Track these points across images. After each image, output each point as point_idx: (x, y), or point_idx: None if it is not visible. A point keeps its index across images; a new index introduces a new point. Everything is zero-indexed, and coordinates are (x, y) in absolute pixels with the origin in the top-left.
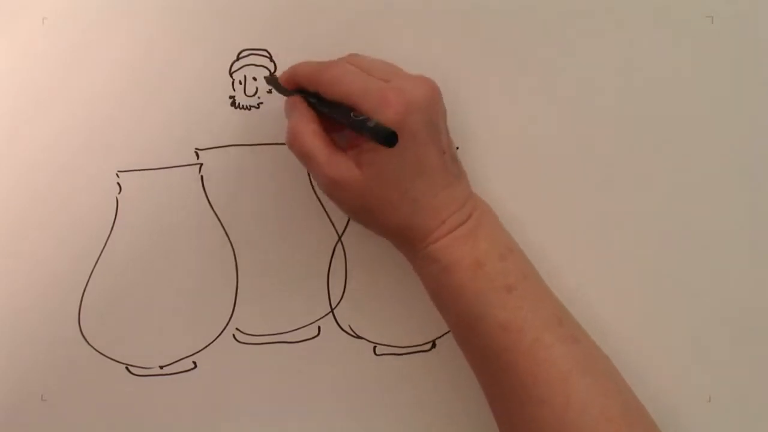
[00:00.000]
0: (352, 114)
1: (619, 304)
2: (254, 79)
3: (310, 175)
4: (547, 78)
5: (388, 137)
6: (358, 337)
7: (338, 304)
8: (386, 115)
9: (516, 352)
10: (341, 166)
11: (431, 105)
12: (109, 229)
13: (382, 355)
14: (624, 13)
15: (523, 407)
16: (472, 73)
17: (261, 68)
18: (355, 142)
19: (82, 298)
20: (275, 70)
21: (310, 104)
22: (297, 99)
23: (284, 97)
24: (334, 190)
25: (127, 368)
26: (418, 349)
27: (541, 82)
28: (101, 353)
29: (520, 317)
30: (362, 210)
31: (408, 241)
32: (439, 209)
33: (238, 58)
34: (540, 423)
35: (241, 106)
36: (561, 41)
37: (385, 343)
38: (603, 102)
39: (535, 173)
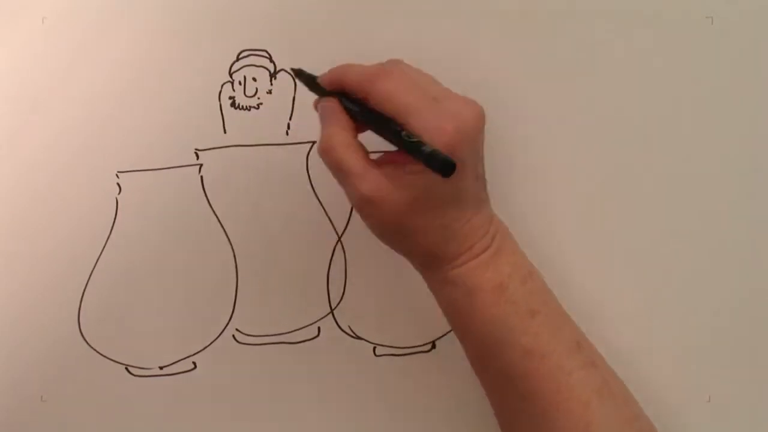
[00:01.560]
0: (404, 133)
1: (619, 304)
2: (254, 79)
3: (344, 189)
4: (547, 78)
5: (446, 167)
6: (358, 337)
7: (338, 304)
8: (440, 142)
9: (537, 378)
10: (378, 185)
11: (479, 132)
12: (109, 230)
13: (381, 355)
14: (624, 14)
15: None
16: (472, 74)
17: (261, 69)
18: (392, 159)
19: (82, 298)
20: (275, 70)
21: (348, 110)
22: (335, 104)
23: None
24: (366, 207)
25: (126, 369)
26: (418, 349)
27: (540, 83)
28: (101, 354)
29: (543, 343)
30: (391, 231)
31: (432, 264)
32: (468, 236)
33: (237, 59)
34: None
35: (241, 106)
36: (560, 41)
37: (385, 344)
38: (603, 102)
39: (534, 174)
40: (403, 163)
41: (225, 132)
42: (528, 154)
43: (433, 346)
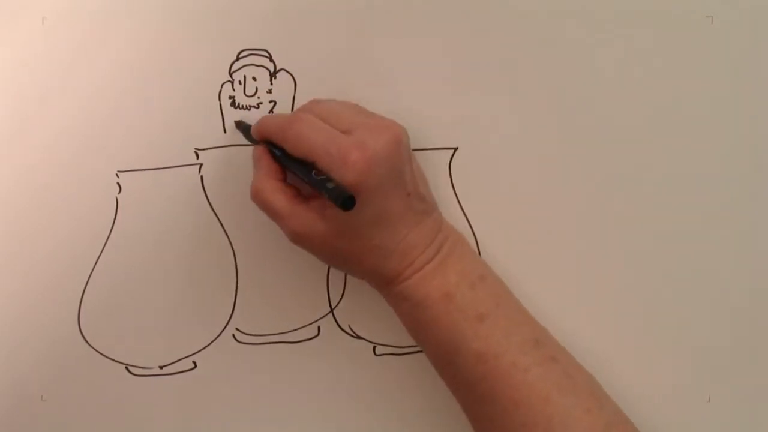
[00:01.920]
0: (313, 172)
1: (618, 304)
2: (254, 79)
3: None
4: (546, 78)
5: (345, 201)
6: (358, 337)
7: (338, 304)
8: (347, 175)
9: (493, 379)
10: (304, 221)
11: (394, 154)
12: (109, 229)
13: (381, 355)
14: (624, 13)
15: None
16: (471, 74)
17: (261, 68)
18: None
19: (82, 298)
20: (275, 70)
21: (275, 156)
22: (262, 151)
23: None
24: (298, 241)
25: (126, 368)
26: (418, 349)
27: (539, 83)
28: (101, 353)
29: (494, 344)
30: (330, 258)
31: (379, 282)
32: (407, 252)
33: (237, 59)
34: None
35: (241, 106)
36: (560, 41)
37: (385, 343)
38: (603, 102)
39: (533, 174)
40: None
41: (225, 132)
42: (527, 154)
43: None
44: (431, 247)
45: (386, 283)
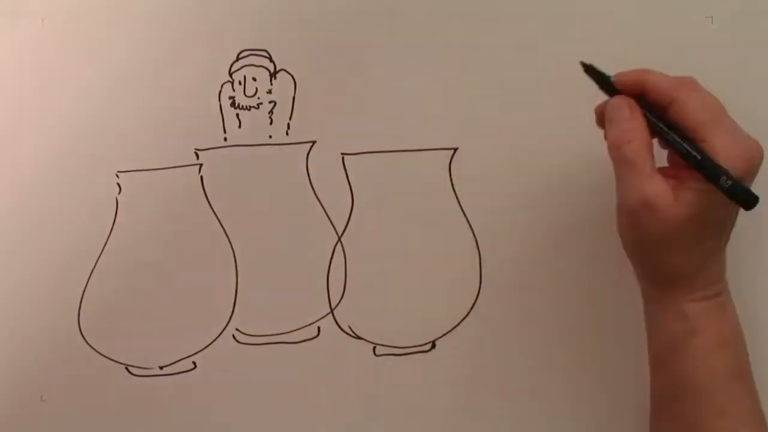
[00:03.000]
0: (700, 158)
1: (618, 303)
2: (254, 79)
3: (619, 187)
4: (546, 78)
5: (749, 200)
6: (358, 337)
7: (338, 304)
8: (740, 171)
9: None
10: (665, 191)
11: (755, 173)
12: (109, 229)
13: (381, 355)
14: (624, 13)
15: None
16: (472, 74)
17: (261, 68)
18: (674, 173)
19: (82, 298)
20: (275, 70)
21: (646, 115)
22: (632, 103)
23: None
24: (642, 210)
25: (127, 368)
26: (418, 349)
27: (540, 83)
28: (101, 354)
29: (742, 409)
30: (650, 242)
31: (667, 288)
32: (715, 272)
33: (237, 59)
34: None
35: (241, 106)
36: (560, 41)
37: (385, 344)
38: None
39: (533, 174)
40: (684, 178)
41: (225, 132)
42: (526, 154)
43: (433, 346)
44: (722, 282)
45: (672, 292)
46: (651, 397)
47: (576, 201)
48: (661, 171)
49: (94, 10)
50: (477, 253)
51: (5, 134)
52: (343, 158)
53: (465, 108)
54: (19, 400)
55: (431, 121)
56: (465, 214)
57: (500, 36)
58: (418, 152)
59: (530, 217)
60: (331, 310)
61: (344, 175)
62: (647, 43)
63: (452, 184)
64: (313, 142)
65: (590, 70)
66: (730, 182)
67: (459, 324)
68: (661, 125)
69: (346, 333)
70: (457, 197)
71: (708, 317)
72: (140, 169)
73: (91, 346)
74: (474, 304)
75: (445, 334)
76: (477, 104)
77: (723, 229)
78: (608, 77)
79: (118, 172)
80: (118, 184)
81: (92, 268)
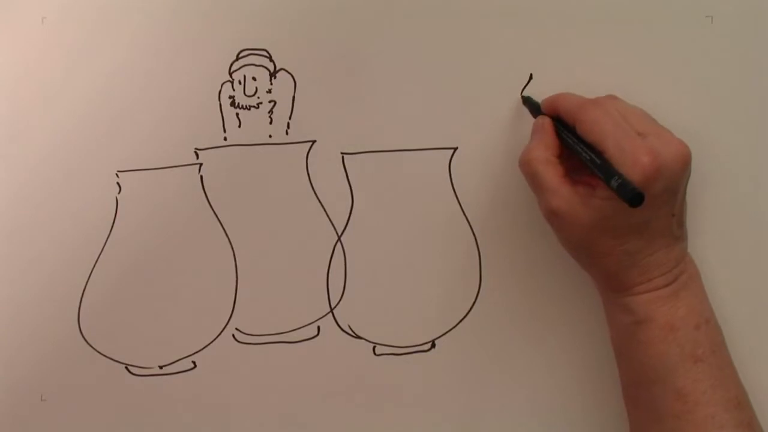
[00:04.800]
0: (599, 161)
1: None
2: (254, 79)
3: (537, 200)
4: (546, 78)
5: (633, 198)
6: (358, 337)
7: (338, 304)
8: (634, 175)
9: (686, 422)
10: (566, 201)
11: (679, 171)
12: (109, 229)
13: (381, 355)
14: (624, 13)
15: None
16: (471, 74)
17: (260, 68)
18: (588, 181)
19: (82, 298)
20: (275, 70)
21: (558, 132)
22: (547, 122)
23: None
24: (553, 220)
25: (126, 368)
26: (418, 349)
27: (540, 83)
28: (101, 353)
29: (700, 390)
30: (575, 246)
31: (609, 286)
32: (650, 267)
33: (237, 58)
34: None
35: (241, 106)
36: (560, 41)
37: (385, 343)
38: None
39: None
40: (596, 187)
41: (225, 131)
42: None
43: (433, 346)
44: (671, 273)
45: (615, 290)
46: (622, 391)
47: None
48: (577, 181)
49: (94, 9)
50: (477, 253)
51: (5, 134)
52: (342, 158)
53: (465, 108)
54: (19, 400)
55: (431, 121)
56: (465, 214)
57: (500, 36)
58: (418, 152)
59: (530, 217)
60: (331, 310)
61: (344, 174)
62: (647, 43)
63: (452, 184)
64: (313, 142)
65: (526, 101)
66: (620, 180)
67: (459, 324)
68: (569, 139)
69: (346, 333)
70: (457, 197)
71: (653, 307)
72: (140, 168)
73: (91, 346)
74: (474, 303)
75: (445, 334)
76: (477, 104)
77: (645, 231)
78: (536, 103)
79: (118, 171)
80: (118, 184)
81: (92, 267)
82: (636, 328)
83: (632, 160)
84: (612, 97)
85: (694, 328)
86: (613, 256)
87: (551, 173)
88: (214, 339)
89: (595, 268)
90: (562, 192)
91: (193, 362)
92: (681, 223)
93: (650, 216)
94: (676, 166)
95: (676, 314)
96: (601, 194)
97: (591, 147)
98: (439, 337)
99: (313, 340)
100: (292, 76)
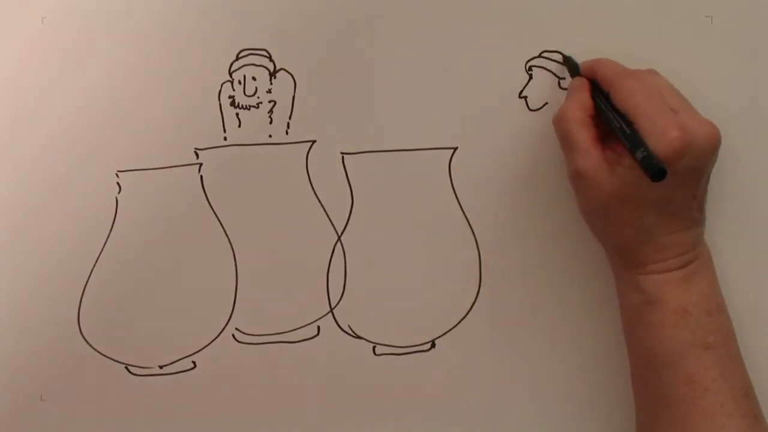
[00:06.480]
0: (628, 130)
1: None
2: (254, 78)
3: (565, 159)
4: (546, 78)
5: (656, 173)
6: (358, 337)
7: (338, 304)
8: (660, 148)
9: (694, 407)
10: (594, 164)
11: (706, 152)
12: (109, 229)
13: (381, 354)
14: (624, 13)
15: None
16: (472, 74)
17: (260, 68)
18: (614, 147)
19: (81, 298)
20: (275, 70)
21: (593, 95)
22: (584, 83)
23: None
24: (578, 180)
25: (126, 368)
26: (418, 349)
27: (540, 83)
28: (101, 353)
29: (710, 377)
30: (594, 212)
31: (622, 260)
32: (666, 247)
33: (237, 58)
34: None
35: (240, 105)
36: (560, 41)
37: (385, 343)
38: None
39: (533, 174)
40: (621, 155)
41: (225, 131)
42: (524, 154)
43: (433, 346)
44: (686, 256)
45: (627, 266)
46: (630, 375)
47: (576, 201)
48: (606, 146)
49: (94, 10)
50: (477, 252)
51: (5, 134)
52: (342, 158)
53: (465, 108)
54: (19, 400)
55: (431, 120)
56: (465, 214)
57: (500, 36)
58: (418, 152)
59: (530, 217)
60: (331, 310)
61: (344, 174)
62: (647, 43)
63: (452, 184)
64: (313, 142)
65: (568, 60)
66: (645, 153)
67: (459, 324)
68: (601, 104)
69: (346, 332)
70: (457, 197)
71: (666, 288)
72: (140, 168)
73: (90, 346)
74: (474, 303)
75: (444, 334)
76: (477, 104)
77: (665, 208)
78: (576, 64)
79: (118, 171)
80: (118, 184)
81: (92, 267)
82: (646, 308)
83: (662, 132)
84: (652, 72)
85: (705, 315)
86: (631, 227)
87: (584, 134)
88: (214, 339)
89: (612, 238)
90: (592, 154)
91: (193, 362)
92: (701, 208)
93: (672, 194)
94: (705, 145)
95: (688, 299)
96: (626, 162)
97: (622, 116)
98: (439, 337)
99: (313, 340)
100: (292, 76)
